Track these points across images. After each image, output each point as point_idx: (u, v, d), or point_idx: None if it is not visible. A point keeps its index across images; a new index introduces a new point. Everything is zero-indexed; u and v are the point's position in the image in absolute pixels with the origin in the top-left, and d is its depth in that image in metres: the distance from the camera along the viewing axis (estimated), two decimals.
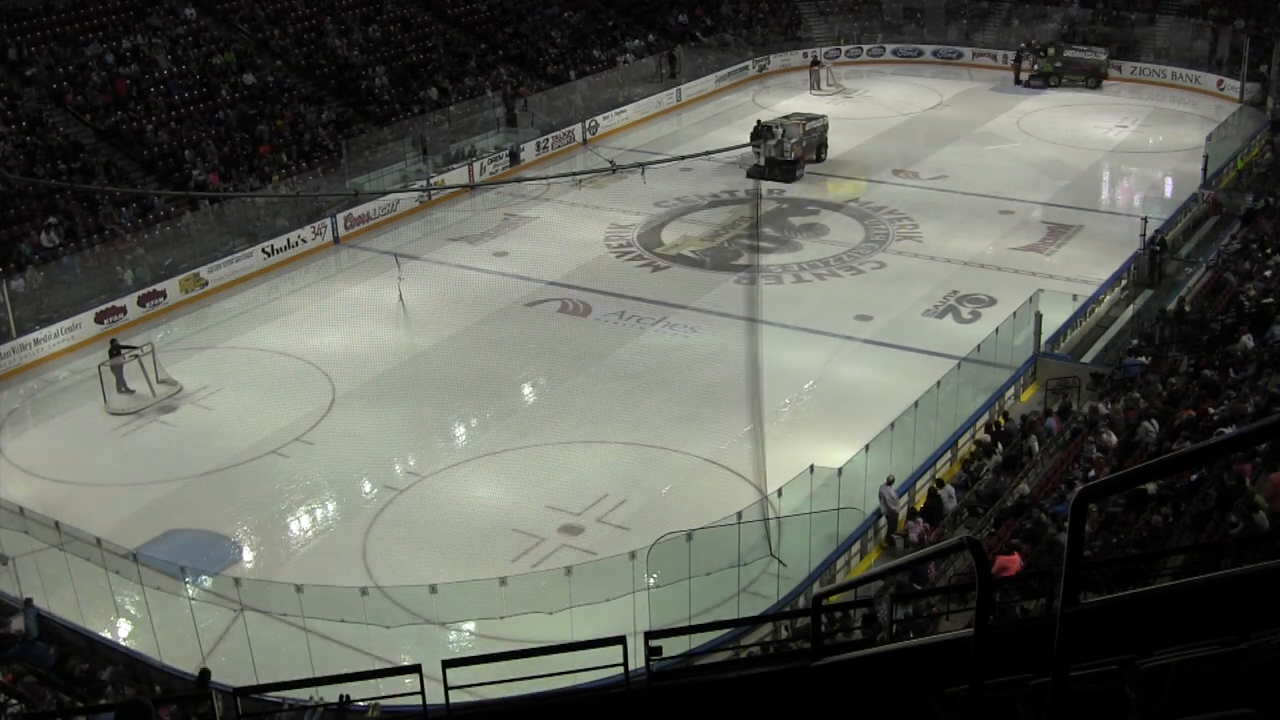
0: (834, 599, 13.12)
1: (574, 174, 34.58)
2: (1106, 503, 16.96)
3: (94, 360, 26.24)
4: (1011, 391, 24.92)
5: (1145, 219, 31.45)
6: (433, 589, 17.18)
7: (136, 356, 25.77)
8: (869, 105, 46.70)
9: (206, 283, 31.37)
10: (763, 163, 38.20)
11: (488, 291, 30.78)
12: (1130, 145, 41.42)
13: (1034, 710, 4.44)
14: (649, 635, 6.20)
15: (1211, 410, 19.37)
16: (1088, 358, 25.82)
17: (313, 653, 16.55)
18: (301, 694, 13.62)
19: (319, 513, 22.20)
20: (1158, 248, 29.50)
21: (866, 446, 20.85)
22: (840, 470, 19.71)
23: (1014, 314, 25.79)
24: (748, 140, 38.63)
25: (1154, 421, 19.97)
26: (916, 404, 22.11)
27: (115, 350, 25.80)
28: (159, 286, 30.43)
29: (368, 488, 22.51)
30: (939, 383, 22.88)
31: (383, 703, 11.48)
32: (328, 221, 34.46)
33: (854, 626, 15.21)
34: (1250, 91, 43.85)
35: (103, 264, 30.61)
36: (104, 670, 17.00)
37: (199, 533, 21.10)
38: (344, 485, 22.65)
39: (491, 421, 24.81)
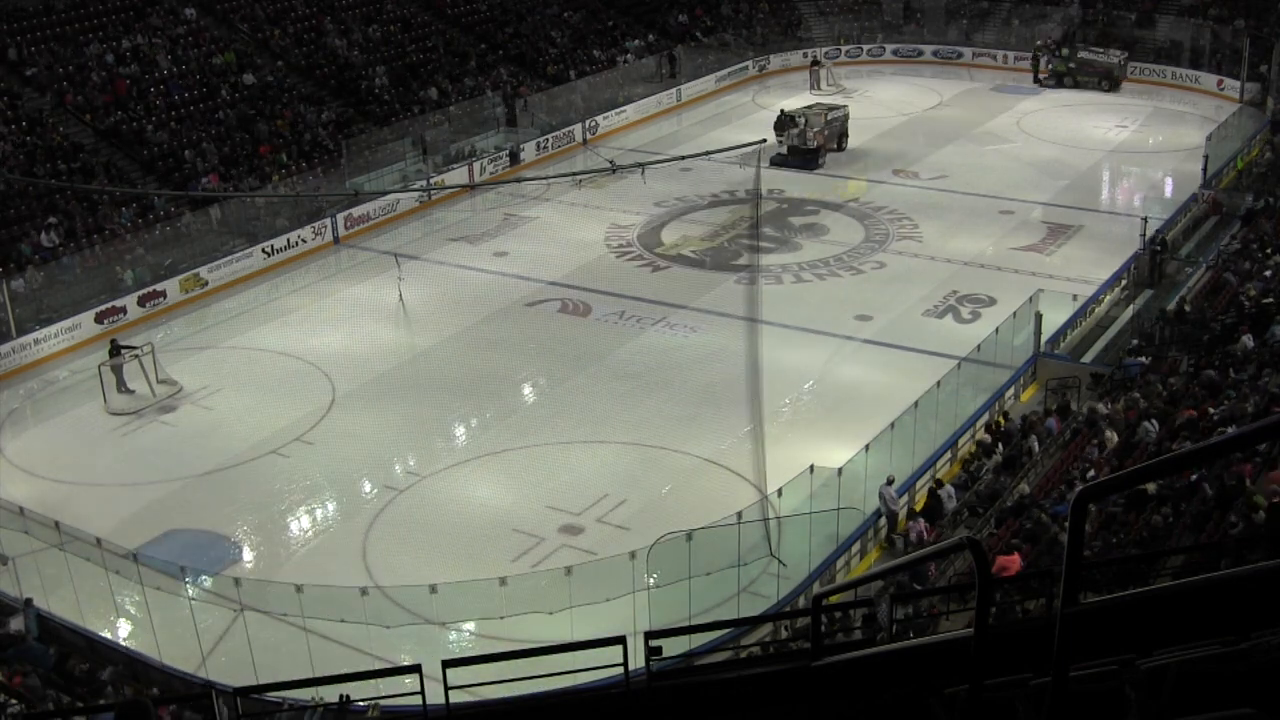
0: (834, 599, 13.11)
1: (574, 174, 34.58)
2: (1106, 503, 16.96)
3: (94, 360, 26.24)
4: (1011, 391, 24.92)
5: (1145, 219, 31.46)
6: (433, 589, 17.18)
7: (136, 356, 25.77)
8: (869, 105, 46.65)
9: (206, 283, 31.38)
10: (786, 151, 39.53)
11: (488, 291, 30.78)
12: (1130, 145, 41.43)
13: (1034, 710, 4.44)
14: (649, 635, 6.20)
15: (1211, 410, 19.37)
16: (1088, 358, 25.83)
17: (313, 653, 16.55)
18: (302, 694, 13.62)
19: (319, 513, 22.21)
20: (1158, 248, 29.51)
21: (866, 446, 20.86)
22: (840, 470, 19.71)
23: (1014, 314, 25.80)
24: (772, 129, 39.70)
25: (1154, 421, 19.97)
26: (916, 404, 22.12)
27: (115, 350, 25.81)
28: (159, 286, 30.44)
29: (368, 488, 22.52)
30: (939, 383, 22.88)
31: (383, 703, 11.47)
32: (328, 221, 34.46)
33: (854, 626, 15.21)
34: (1250, 91, 43.85)
35: (103, 264, 30.62)
36: (104, 670, 17.00)
37: (199, 533, 21.10)
38: (344, 485, 22.65)
39: (491, 421, 24.81)
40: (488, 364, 26.92)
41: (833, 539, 19.52)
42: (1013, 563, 16.24)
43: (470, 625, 18.15)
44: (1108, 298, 28.52)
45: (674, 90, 47.43)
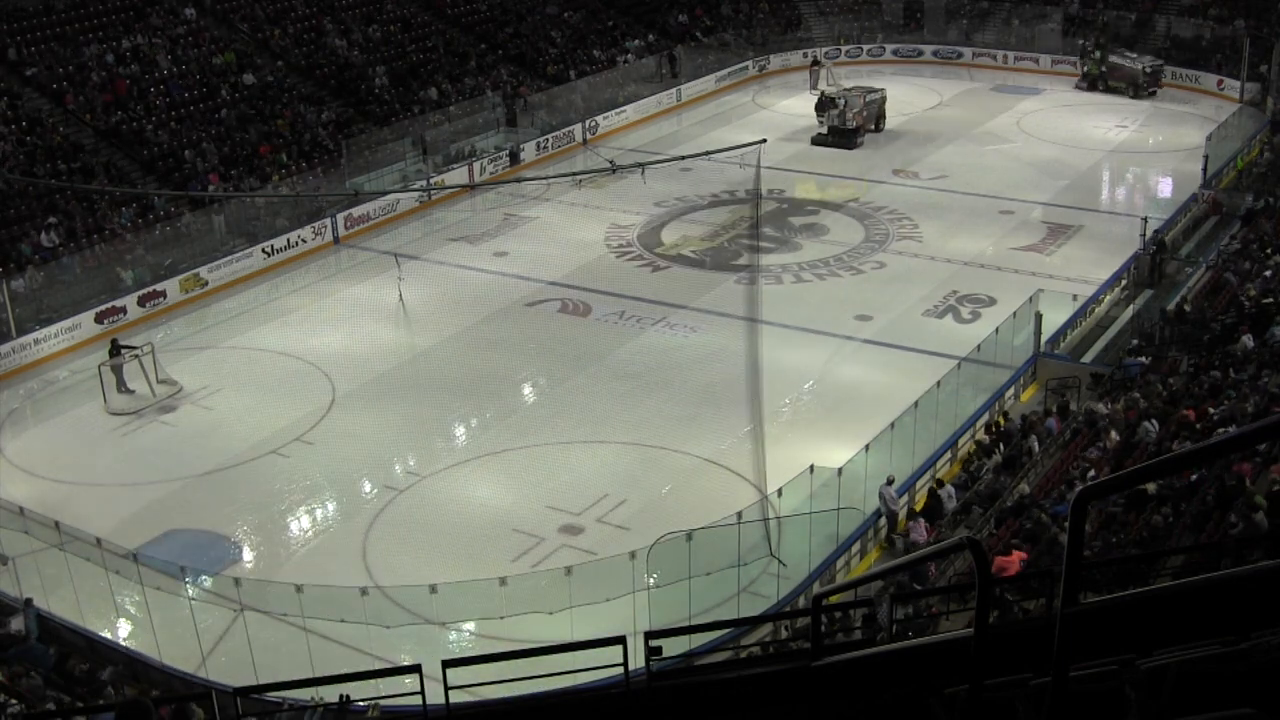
0: (834, 599, 13.11)
1: (574, 174, 34.56)
2: (1106, 503, 16.96)
3: (94, 360, 26.23)
4: (1011, 391, 24.92)
5: (1145, 219, 31.45)
6: (433, 589, 17.18)
7: (136, 356, 25.77)
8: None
9: (206, 283, 31.38)
10: (826, 131, 41.80)
11: (488, 291, 30.78)
12: (1130, 145, 41.43)
13: (1034, 710, 4.44)
14: (649, 635, 6.20)
15: (1211, 410, 19.38)
16: (1088, 358, 25.83)
17: (313, 653, 16.54)
18: (302, 694, 13.62)
19: (319, 513, 22.21)
20: (1154, 247, 29.50)
21: (866, 446, 20.86)
22: (840, 470, 19.71)
23: (1014, 314, 25.80)
24: (813, 110, 42.43)
25: (1154, 421, 19.97)
26: (916, 404, 22.12)
27: (115, 350, 25.81)
28: (159, 286, 30.44)
29: (368, 488, 22.51)
30: (939, 383, 22.88)
31: (383, 703, 11.48)
32: (328, 221, 34.46)
33: (854, 626, 15.21)
34: (1250, 91, 43.84)
35: (103, 264, 30.61)
36: (104, 670, 16.99)
37: (199, 533, 21.10)
38: (344, 485, 22.65)
39: (491, 421, 24.81)
40: (488, 364, 26.92)
41: (833, 539, 19.52)
42: (1012, 563, 16.24)
43: (470, 625, 18.15)
44: (1108, 298, 28.52)
45: (674, 90, 47.43)
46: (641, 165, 29.34)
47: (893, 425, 21.28)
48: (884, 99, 42.99)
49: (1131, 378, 22.96)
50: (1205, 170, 35.77)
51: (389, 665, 15.50)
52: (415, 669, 6.83)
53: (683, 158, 31.47)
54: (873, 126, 42.42)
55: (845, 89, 43.03)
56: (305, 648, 16.67)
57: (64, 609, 18.32)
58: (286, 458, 23.29)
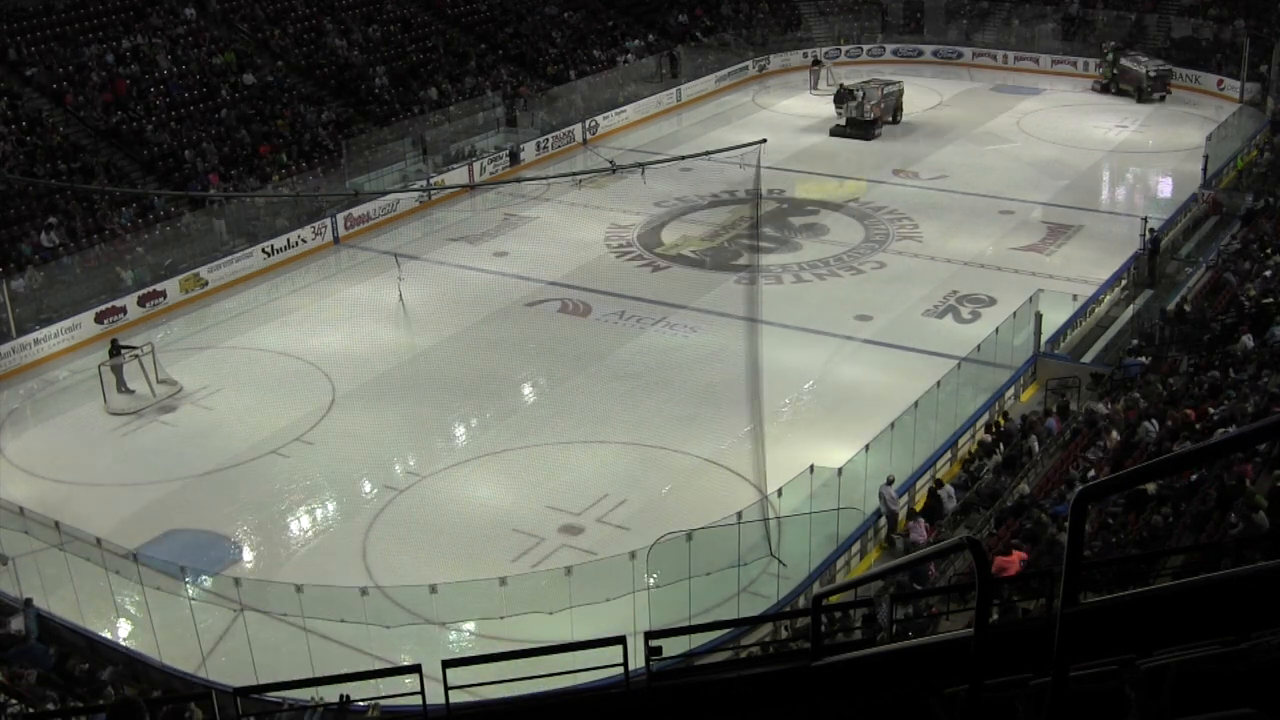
0: (834, 599, 13.12)
1: (574, 174, 34.56)
2: (1106, 503, 16.96)
3: (94, 360, 26.23)
4: (1011, 391, 24.92)
5: (1145, 219, 31.45)
6: (433, 589, 17.18)
7: (136, 356, 25.77)
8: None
9: (206, 283, 31.38)
10: (844, 122, 42.57)
11: (488, 291, 30.78)
12: (1130, 145, 41.42)
13: (1034, 710, 4.44)
14: (649, 635, 6.20)
15: (1211, 410, 19.38)
16: (1088, 358, 25.83)
17: (313, 653, 16.54)
18: (302, 694, 13.62)
19: (319, 513, 22.21)
20: (1149, 246, 29.48)
21: (866, 446, 20.85)
22: (840, 470, 19.70)
23: (1014, 314, 25.79)
24: (832, 103, 43.32)
25: (1154, 421, 19.97)
26: (916, 404, 22.11)
27: (115, 350, 25.81)
28: (159, 286, 30.44)
29: (368, 488, 22.52)
30: (939, 383, 22.88)
31: (383, 703, 11.48)
32: (328, 221, 34.46)
33: (854, 626, 15.21)
34: (1250, 91, 43.83)
35: (103, 264, 30.61)
36: (104, 670, 16.99)
37: (199, 533, 21.10)
38: (344, 485, 22.65)
39: (491, 421, 24.81)
40: (488, 364, 26.92)
41: (833, 539, 19.52)
42: (1012, 563, 16.24)
43: (470, 625, 18.15)
44: (1108, 298, 28.52)
45: (674, 90, 47.43)
46: (641, 165, 29.35)
47: (893, 425, 21.28)
48: (901, 91, 43.89)
49: (1131, 378, 22.96)
50: (1205, 170, 35.76)
51: (389, 665, 15.50)
52: (415, 669, 6.83)
53: (683, 158, 31.48)
54: (890, 118, 43.22)
55: (863, 81, 43.91)
56: (305, 648, 16.67)
57: (64, 609, 18.32)
58: (286, 458, 23.29)
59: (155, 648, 17.36)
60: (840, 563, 19.38)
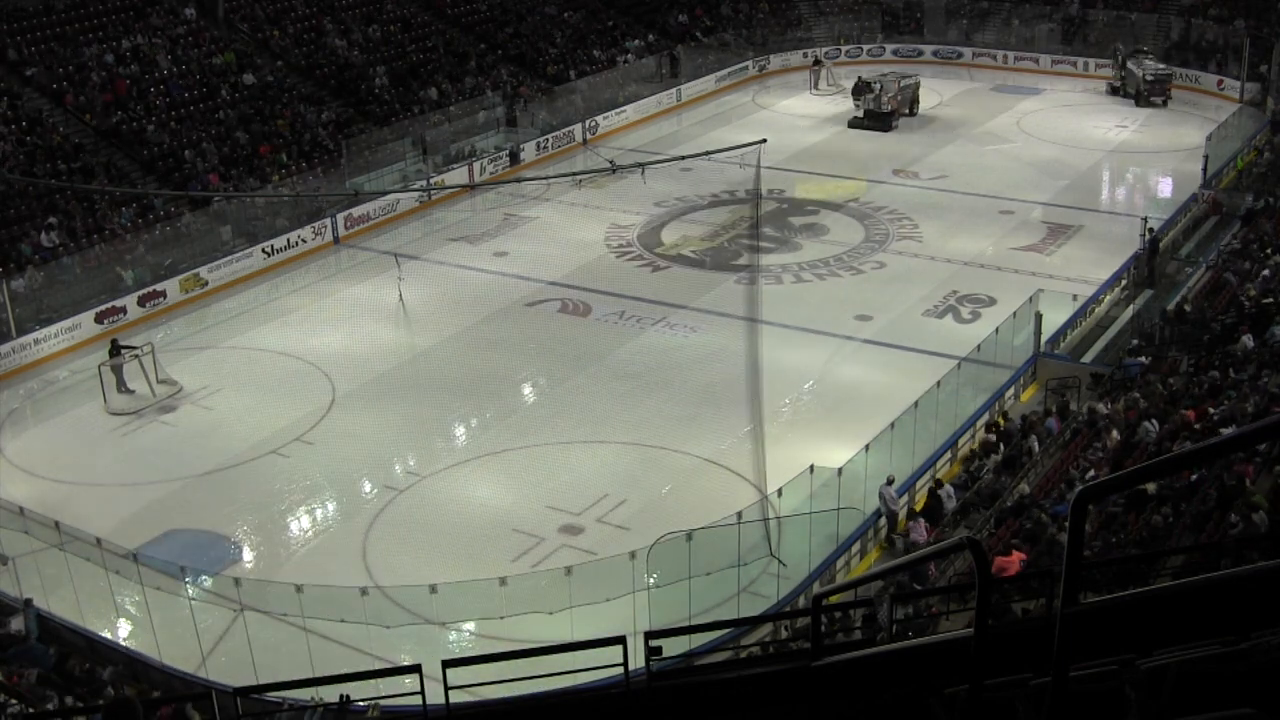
0: (834, 599, 13.12)
1: (574, 174, 34.56)
2: (1106, 503, 16.96)
3: (94, 360, 26.23)
4: (1011, 391, 24.92)
5: (1145, 219, 31.45)
6: (433, 589, 17.18)
7: (136, 356, 25.77)
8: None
9: (206, 283, 31.38)
10: (862, 114, 43.58)
11: (488, 291, 30.78)
12: (1130, 145, 41.41)
13: (1034, 710, 4.44)
14: (649, 635, 6.20)
15: (1211, 410, 19.38)
16: (1088, 358, 25.82)
17: (313, 653, 16.54)
18: (302, 694, 13.62)
19: (319, 513, 22.21)
20: (1148, 247, 29.47)
21: (866, 446, 20.85)
22: (840, 470, 19.71)
23: (1014, 314, 25.79)
24: (851, 95, 44.53)
25: (1154, 421, 19.97)
26: (916, 404, 22.11)
27: (115, 350, 25.81)
28: (159, 286, 30.44)
29: (368, 488, 22.52)
30: (939, 383, 22.88)
31: (383, 703, 11.48)
32: (328, 221, 34.46)
33: (854, 626, 15.21)
34: (1250, 91, 43.82)
35: (103, 264, 30.61)
36: (104, 670, 17.00)
37: (199, 533, 21.10)
38: (344, 485, 22.65)
39: (491, 421, 24.81)
40: (488, 364, 26.92)
41: (833, 539, 19.52)
42: (1012, 563, 16.24)
43: (470, 625, 18.15)
44: (1108, 298, 28.51)
45: (674, 90, 47.43)
46: (641, 165, 29.35)
47: (893, 425, 21.28)
48: (918, 85, 45.01)
49: (1131, 378, 22.96)
50: (1205, 170, 35.75)
51: (389, 665, 15.50)
52: (415, 669, 6.83)
53: (683, 158, 31.46)
54: (907, 110, 44.16)
55: (881, 75, 45.04)
56: (305, 648, 16.67)
57: (64, 609, 18.33)
58: (286, 458, 23.29)
59: (155, 648, 17.36)
60: (840, 563, 19.38)
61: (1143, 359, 23.76)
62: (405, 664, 13.20)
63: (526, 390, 26.47)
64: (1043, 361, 25.43)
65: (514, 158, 40.37)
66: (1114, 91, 46.68)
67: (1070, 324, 26.62)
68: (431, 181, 37.42)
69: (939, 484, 20.74)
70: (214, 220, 33.39)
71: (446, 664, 6.39)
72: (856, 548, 19.97)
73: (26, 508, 19.82)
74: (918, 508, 20.74)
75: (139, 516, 21.36)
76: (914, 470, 21.64)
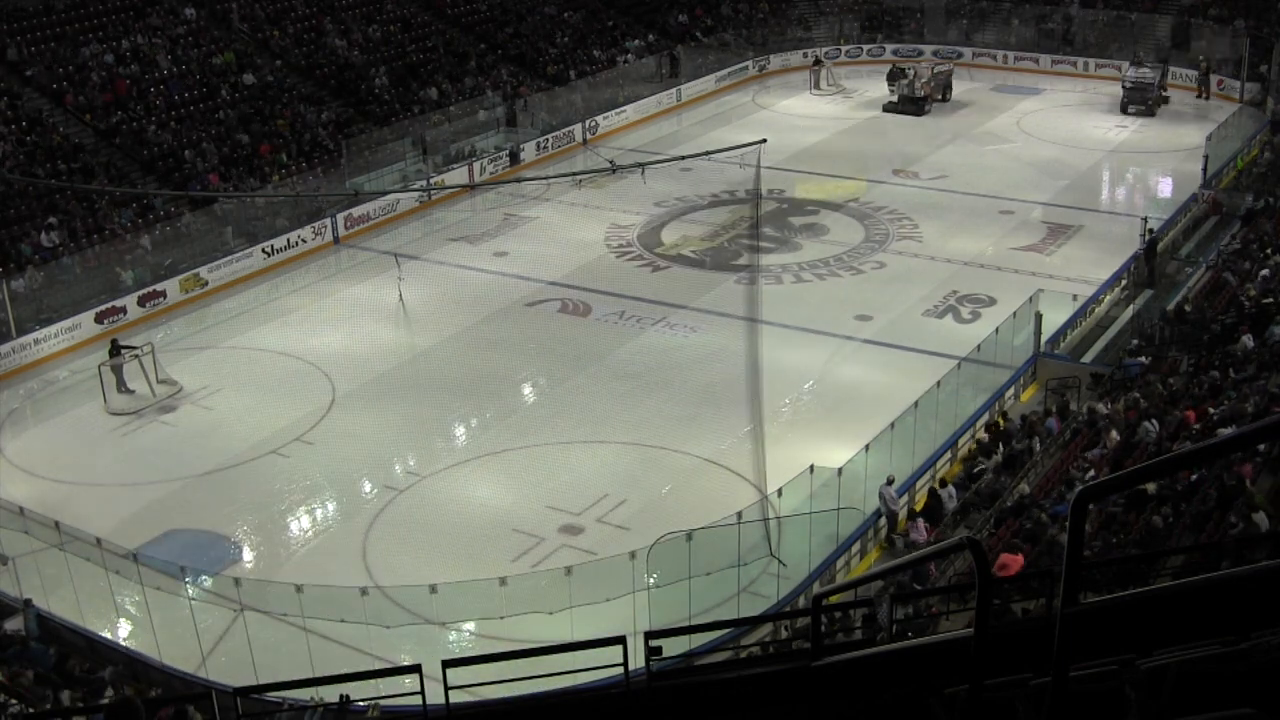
0: (834, 599, 13.11)
1: (574, 174, 34.55)
2: (1106, 503, 16.96)
3: (94, 360, 26.23)
4: (1011, 391, 24.92)
5: (1145, 219, 31.44)
6: (433, 589, 17.18)
7: (136, 356, 25.77)
8: (869, 105, 46.70)
9: (206, 283, 31.38)
10: (896, 100, 45.28)
11: (488, 291, 30.78)
12: (1130, 145, 41.41)
13: (1034, 710, 4.44)
14: (649, 635, 6.20)
15: (1211, 410, 19.38)
16: (1088, 358, 25.82)
17: (313, 653, 16.55)
18: (302, 694, 13.62)
19: (319, 513, 22.21)
20: (1147, 247, 29.48)
21: (866, 446, 20.85)
22: (840, 470, 19.70)
23: (1014, 314, 25.79)
24: (885, 82, 46.30)
25: (1154, 421, 19.97)
26: (916, 404, 22.11)
27: (115, 350, 25.81)
28: (159, 286, 30.44)
29: (368, 488, 22.52)
30: (939, 383, 22.88)
31: (383, 703, 11.49)
32: (328, 221, 34.46)
33: (854, 626, 15.21)
34: (1250, 91, 43.81)
35: (103, 264, 30.60)
36: (104, 670, 17.00)
37: (199, 533, 21.10)
38: (344, 485, 22.65)
39: (491, 421, 24.81)
40: (488, 364, 26.92)
41: (833, 539, 19.52)
42: (1014, 561, 16.24)
43: (470, 625, 18.15)
44: (1108, 298, 28.51)
45: (674, 90, 47.42)
46: (641, 165, 29.35)
47: (893, 425, 21.28)
48: (951, 72, 47.07)
49: (1131, 378, 22.95)
50: (1205, 170, 35.75)
51: (389, 665, 15.50)
52: (415, 669, 6.83)
53: (683, 158, 31.46)
54: (940, 96, 45.73)
55: (915, 61, 47.79)
56: (305, 648, 16.67)
57: (64, 609, 18.33)
58: (286, 458, 23.29)
59: (155, 648, 17.36)
60: (840, 563, 19.38)
61: (1143, 359, 23.76)
62: (405, 664, 13.21)
63: (526, 390, 26.47)
64: (1043, 361, 25.43)
65: (514, 158, 40.37)
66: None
67: (1070, 324, 26.61)
68: (431, 181, 37.42)
69: (942, 483, 20.74)
70: (214, 220, 33.39)
71: (446, 664, 6.39)
72: (856, 548, 19.97)
73: (26, 508, 19.82)
74: (918, 508, 20.75)
75: (139, 516, 21.36)
76: (914, 470, 21.64)
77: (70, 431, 24.86)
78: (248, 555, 20.73)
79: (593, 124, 43.77)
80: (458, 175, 38.62)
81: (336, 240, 34.57)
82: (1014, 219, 34.54)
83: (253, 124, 36.88)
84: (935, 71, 46.16)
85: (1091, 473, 18.84)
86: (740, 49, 51.21)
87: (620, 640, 6.40)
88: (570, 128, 43.00)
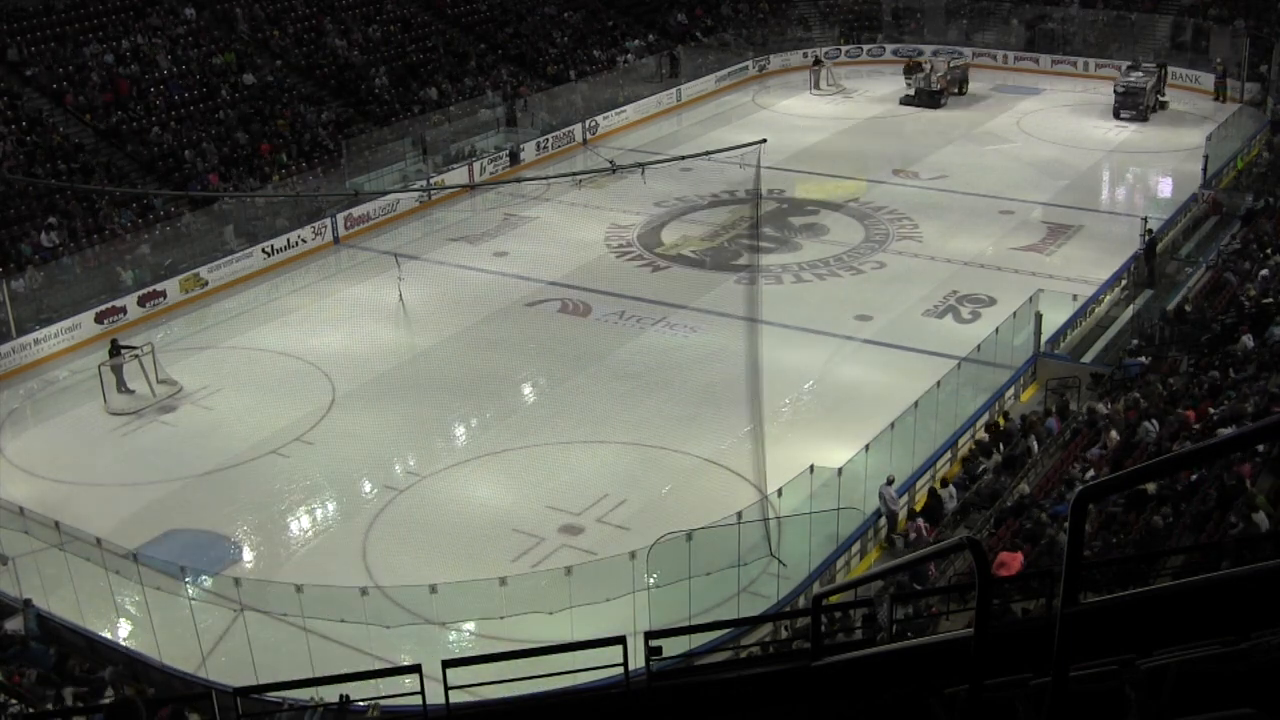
0: (834, 599, 13.12)
1: (574, 174, 34.55)
2: (1106, 503, 16.96)
3: (94, 360, 26.24)
4: (1011, 391, 24.92)
5: (1145, 219, 31.44)
6: (433, 589, 17.18)
7: (136, 356, 25.77)
8: (869, 105, 46.72)
9: (206, 283, 31.38)
10: (913, 93, 46.06)
11: (488, 291, 30.78)
12: (1130, 145, 41.41)
13: (1034, 710, 4.44)
14: (649, 635, 6.20)
15: (1211, 410, 19.38)
16: (1088, 358, 25.82)
17: (313, 653, 16.54)
18: (302, 694, 13.62)
19: (319, 513, 22.21)
20: (1146, 247, 29.48)
21: (866, 446, 20.84)
22: (840, 470, 19.70)
23: (1014, 314, 25.78)
24: (903, 74, 46.88)
25: (1154, 421, 19.97)
26: (916, 404, 22.11)
27: (115, 350, 25.81)
28: (159, 286, 30.44)
29: (368, 488, 22.51)
30: (939, 383, 22.88)
31: (383, 703, 11.50)
32: (328, 221, 34.46)
33: (854, 626, 15.21)
34: (1250, 91, 43.79)
35: (103, 264, 30.61)
36: (104, 670, 17.00)
37: (199, 533, 21.10)
38: (344, 485, 22.65)
39: (491, 421, 24.81)
40: (488, 364, 26.92)
41: (833, 539, 19.52)
42: (1014, 560, 16.24)
43: (470, 625, 18.15)
44: (1108, 298, 28.51)
45: (674, 90, 47.42)
46: (641, 165, 29.34)
47: (893, 425, 21.28)
48: (968, 65, 47.80)
49: (1131, 378, 22.95)
50: (1205, 170, 35.74)
51: (389, 665, 15.50)
52: (415, 669, 6.84)
53: (683, 158, 31.45)
54: (956, 90, 46.67)
55: (932, 55, 48.06)
56: (305, 648, 16.67)
57: (64, 609, 18.33)
58: (286, 458, 23.29)
59: (155, 648, 17.36)
60: (840, 563, 19.38)
61: (1143, 359, 23.75)
62: (405, 664, 13.21)
63: (526, 390, 26.47)
64: (1043, 361, 25.43)
65: (514, 158, 40.37)
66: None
67: (1070, 324, 26.61)
68: (431, 181, 37.42)
69: (943, 483, 20.74)
70: (214, 220, 33.39)
71: (446, 664, 6.39)
72: (856, 548, 19.97)
73: (26, 508, 19.82)
74: (918, 508, 20.74)
75: (139, 516, 21.36)
76: (914, 470, 21.64)
77: (70, 431, 24.86)
78: (248, 555, 20.73)
79: (593, 124, 43.77)
80: (458, 175, 38.62)
81: (336, 240, 34.58)
82: (1014, 219, 34.54)
83: (253, 124, 36.88)
84: (951, 65, 46.78)
85: (1091, 473, 18.84)
86: (740, 49, 51.21)
87: (620, 640, 6.40)
88: (570, 128, 43.01)
